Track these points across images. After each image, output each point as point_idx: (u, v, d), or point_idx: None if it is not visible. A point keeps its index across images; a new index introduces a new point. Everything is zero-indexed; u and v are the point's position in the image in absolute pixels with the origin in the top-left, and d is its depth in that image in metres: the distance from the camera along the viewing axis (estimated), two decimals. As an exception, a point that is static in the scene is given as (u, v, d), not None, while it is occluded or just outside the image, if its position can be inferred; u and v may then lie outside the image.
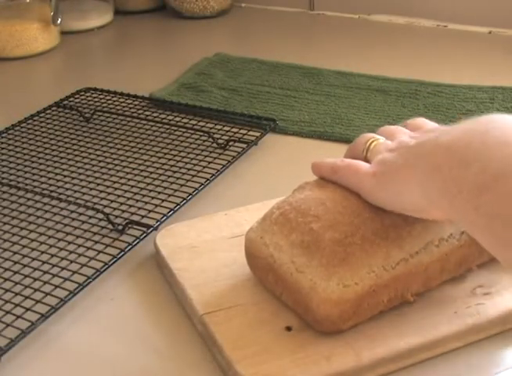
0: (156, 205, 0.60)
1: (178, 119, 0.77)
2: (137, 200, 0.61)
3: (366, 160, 0.47)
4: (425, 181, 0.39)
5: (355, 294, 0.43)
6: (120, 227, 0.57)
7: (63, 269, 0.52)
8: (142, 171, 0.66)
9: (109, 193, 0.62)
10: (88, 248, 0.54)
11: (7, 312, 0.48)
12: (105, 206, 0.60)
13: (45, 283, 0.50)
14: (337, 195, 0.46)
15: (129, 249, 0.54)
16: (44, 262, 0.53)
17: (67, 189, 0.64)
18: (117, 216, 0.58)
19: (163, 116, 0.78)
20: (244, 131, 0.72)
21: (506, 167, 0.34)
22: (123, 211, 0.59)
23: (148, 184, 0.64)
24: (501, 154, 0.35)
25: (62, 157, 0.70)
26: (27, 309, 0.48)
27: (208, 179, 0.63)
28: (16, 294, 0.49)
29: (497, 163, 0.35)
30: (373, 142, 0.47)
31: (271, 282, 0.47)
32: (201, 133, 0.72)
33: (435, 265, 0.46)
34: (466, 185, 0.36)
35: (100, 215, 0.58)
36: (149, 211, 0.59)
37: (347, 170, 0.46)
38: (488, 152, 0.35)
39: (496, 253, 0.36)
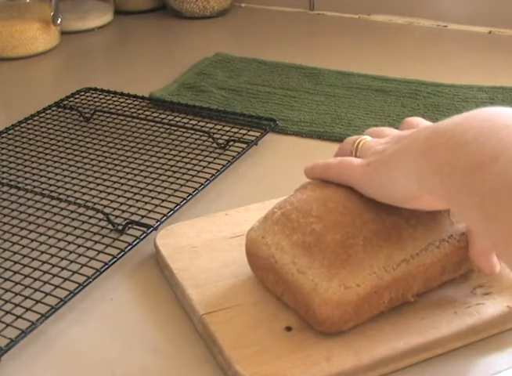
0: (156, 205, 0.60)
1: (178, 119, 0.77)
2: (137, 200, 0.61)
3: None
4: (418, 161, 0.39)
5: (356, 296, 0.43)
6: (120, 227, 0.57)
7: (63, 269, 0.52)
8: (142, 171, 0.66)
9: (109, 193, 0.62)
10: (88, 248, 0.54)
11: (7, 312, 0.48)
12: (105, 206, 0.60)
13: (45, 283, 0.50)
14: (338, 195, 0.46)
15: (129, 249, 0.54)
16: (44, 262, 0.53)
17: (67, 189, 0.64)
18: (117, 216, 0.58)
19: (163, 116, 0.78)
20: (244, 131, 0.72)
21: (502, 148, 0.34)
22: (123, 211, 0.59)
23: (148, 184, 0.64)
24: (497, 137, 0.35)
25: (62, 157, 0.70)
26: (27, 309, 0.48)
27: (208, 179, 0.63)
28: (16, 294, 0.49)
29: (494, 144, 0.35)
30: (360, 141, 0.48)
31: (272, 282, 0.47)
32: (201, 133, 0.72)
33: (436, 266, 0.46)
34: (460, 164, 0.36)
35: (100, 215, 0.58)
36: (149, 211, 0.59)
37: (340, 165, 0.47)
38: (486, 135, 0.35)
39: (485, 234, 0.36)
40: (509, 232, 0.33)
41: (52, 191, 0.63)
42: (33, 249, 0.54)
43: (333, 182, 0.47)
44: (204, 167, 0.66)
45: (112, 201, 0.61)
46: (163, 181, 0.64)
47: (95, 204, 0.61)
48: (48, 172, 0.67)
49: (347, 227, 0.44)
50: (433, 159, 0.38)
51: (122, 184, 0.64)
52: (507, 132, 0.35)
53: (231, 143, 0.70)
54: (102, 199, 0.61)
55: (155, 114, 0.78)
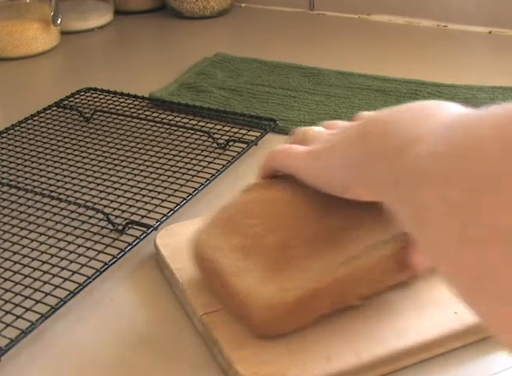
0: (156, 205, 0.60)
1: (178, 119, 0.77)
2: (137, 200, 0.61)
3: None
4: (353, 150, 0.40)
5: (294, 298, 0.42)
6: (120, 227, 0.57)
7: (62, 269, 0.52)
8: (142, 171, 0.66)
9: (109, 193, 0.62)
10: (88, 248, 0.54)
11: (7, 312, 0.48)
12: (105, 206, 0.60)
13: (45, 283, 0.50)
14: (283, 197, 0.45)
15: (129, 249, 0.54)
16: (44, 262, 0.53)
17: (67, 189, 0.64)
18: (117, 216, 0.58)
19: (163, 116, 0.78)
20: (244, 132, 0.72)
21: (424, 134, 0.34)
22: (123, 211, 0.59)
23: (148, 184, 0.64)
24: (420, 125, 0.35)
25: (62, 157, 0.70)
26: (27, 309, 0.48)
27: (208, 179, 0.63)
28: (16, 294, 0.49)
29: (413, 132, 0.35)
30: (308, 131, 0.48)
31: (217, 286, 0.46)
32: (201, 133, 0.72)
33: (377, 268, 0.44)
34: (382, 151, 0.36)
35: (100, 215, 0.58)
36: (149, 211, 0.59)
37: (284, 153, 0.46)
38: (411, 123, 0.36)
39: (399, 216, 0.35)
40: (415, 214, 0.32)
41: (52, 191, 0.63)
42: (33, 249, 0.54)
43: (279, 182, 0.47)
44: (204, 167, 0.66)
45: (112, 201, 0.61)
46: (163, 181, 0.64)
47: (95, 204, 0.61)
48: (48, 172, 0.67)
49: (289, 229, 0.43)
50: (364, 147, 0.39)
51: (122, 184, 0.64)
52: (427, 121, 0.35)
53: (231, 143, 0.70)
54: (102, 199, 0.61)
55: (155, 114, 0.78)
